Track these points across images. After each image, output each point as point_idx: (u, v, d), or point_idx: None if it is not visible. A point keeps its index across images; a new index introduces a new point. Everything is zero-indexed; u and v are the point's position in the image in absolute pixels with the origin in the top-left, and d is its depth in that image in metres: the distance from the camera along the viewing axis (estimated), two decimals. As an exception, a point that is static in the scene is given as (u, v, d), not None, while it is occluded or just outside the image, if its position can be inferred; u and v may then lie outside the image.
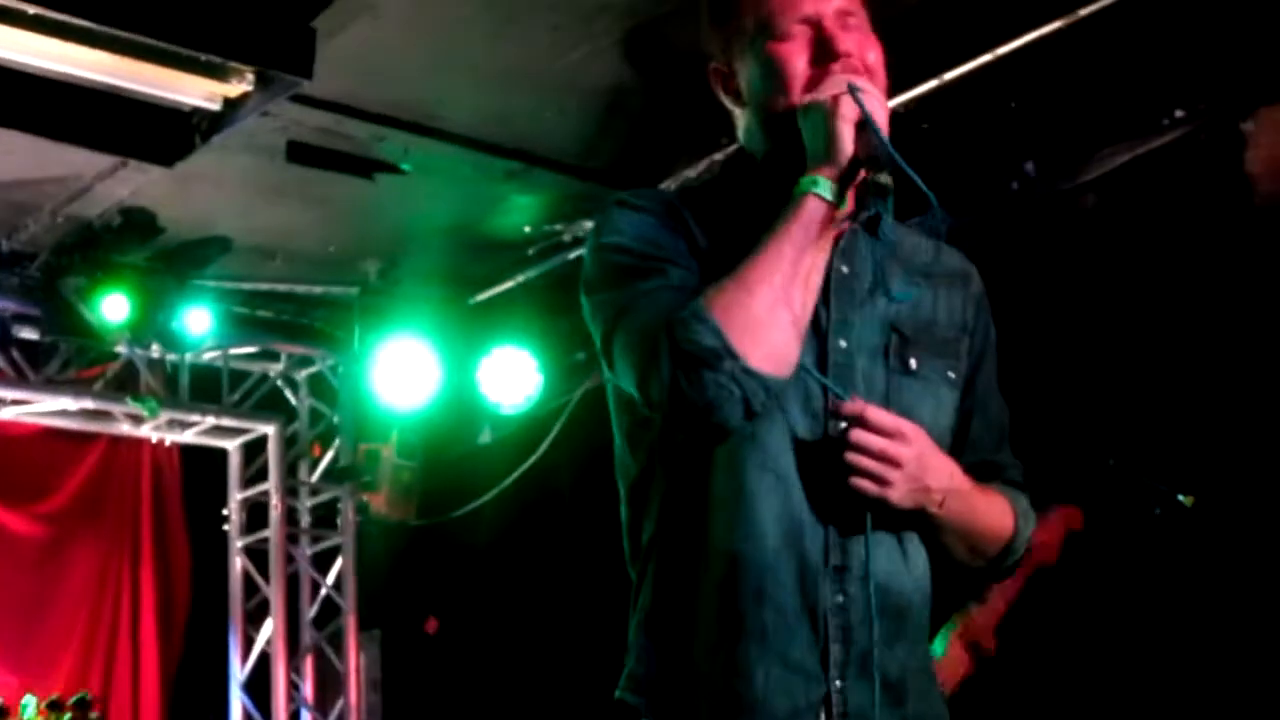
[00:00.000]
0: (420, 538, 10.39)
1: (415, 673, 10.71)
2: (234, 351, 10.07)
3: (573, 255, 8.68)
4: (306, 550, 10.54)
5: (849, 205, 2.87)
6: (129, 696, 10.40)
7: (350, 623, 10.46)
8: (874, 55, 2.99)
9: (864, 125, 2.81)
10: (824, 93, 2.87)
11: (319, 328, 10.01)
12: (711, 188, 3.30)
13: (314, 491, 10.60)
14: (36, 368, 9.39)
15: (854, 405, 2.84)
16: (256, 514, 10.47)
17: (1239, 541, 6.22)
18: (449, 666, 10.41)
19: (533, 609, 9.88)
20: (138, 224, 8.36)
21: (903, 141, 2.82)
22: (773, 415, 2.86)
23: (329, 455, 10.51)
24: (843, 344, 2.95)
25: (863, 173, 2.81)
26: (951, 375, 3.08)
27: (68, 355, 9.49)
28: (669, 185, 7.90)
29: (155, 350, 9.60)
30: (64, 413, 9.76)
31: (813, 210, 2.82)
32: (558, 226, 8.62)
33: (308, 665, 10.49)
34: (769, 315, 2.76)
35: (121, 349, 9.42)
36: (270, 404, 10.43)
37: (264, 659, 10.27)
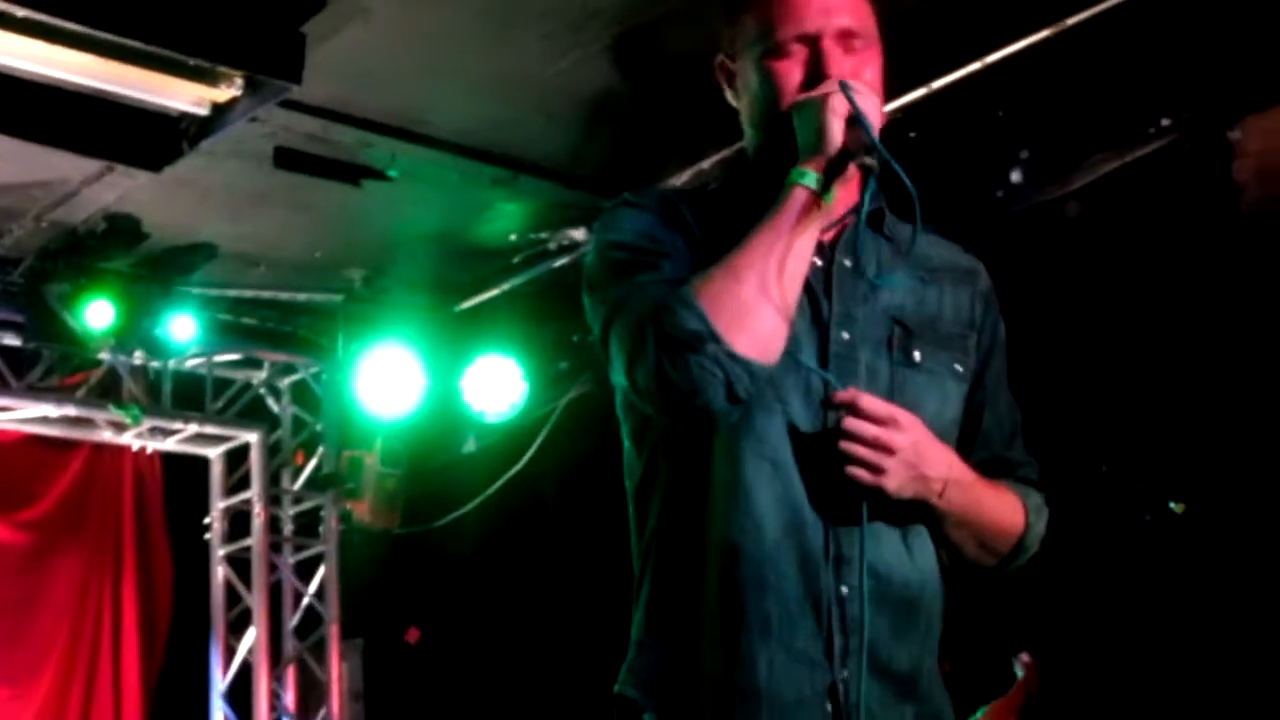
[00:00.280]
0: (403, 546, 10.37)
1: (398, 682, 10.69)
2: (217, 359, 10.03)
3: (559, 263, 8.69)
4: (289, 559, 10.51)
5: (837, 198, 2.90)
6: (110, 705, 10.34)
7: (333, 632, 10.43)
8: (870, 74, 3.00)
9: (854, 120, 2.83)
10: (817, 91, 2.90)
11: (303, 335, 9.98)
12: (714, 187, 3.33)
13: (297, 500, 10.57)
14: (19, 374, 9.34)
15: (846, 393, 2.87)
16: (239, 522, 10.43)
17: (1229, 548, 6.24)
18: (432, 676, 10.40)
19: (516, 618, 9.87)
20: (123, 230, 8.33)
21: (891, 149, 2.84)
22: (772, 407, 2.89)
23: (312, 463, 10.48)
24: (845, 336, 2.97)
25: (852, 165, 2.84)
26: (959, 369, 3.08)
27: (51, 362, 9.44)
28: (660, 191, 7.91)
29: (138, 357, 9.56)
30: (46, 420, 9.71)
31: (799, 200, 2.86)
32: (544, 234, 8.61)
33: (290, 675, 10.44)
34: (754, 301, 2.79)
35: (105, 356, 9.38)
36: (253, 412, 10.39)
37: (246, 668, 10.21)
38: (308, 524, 10.61)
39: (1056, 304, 6.69)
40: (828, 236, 3.02)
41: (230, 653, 10.29)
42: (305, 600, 10.47)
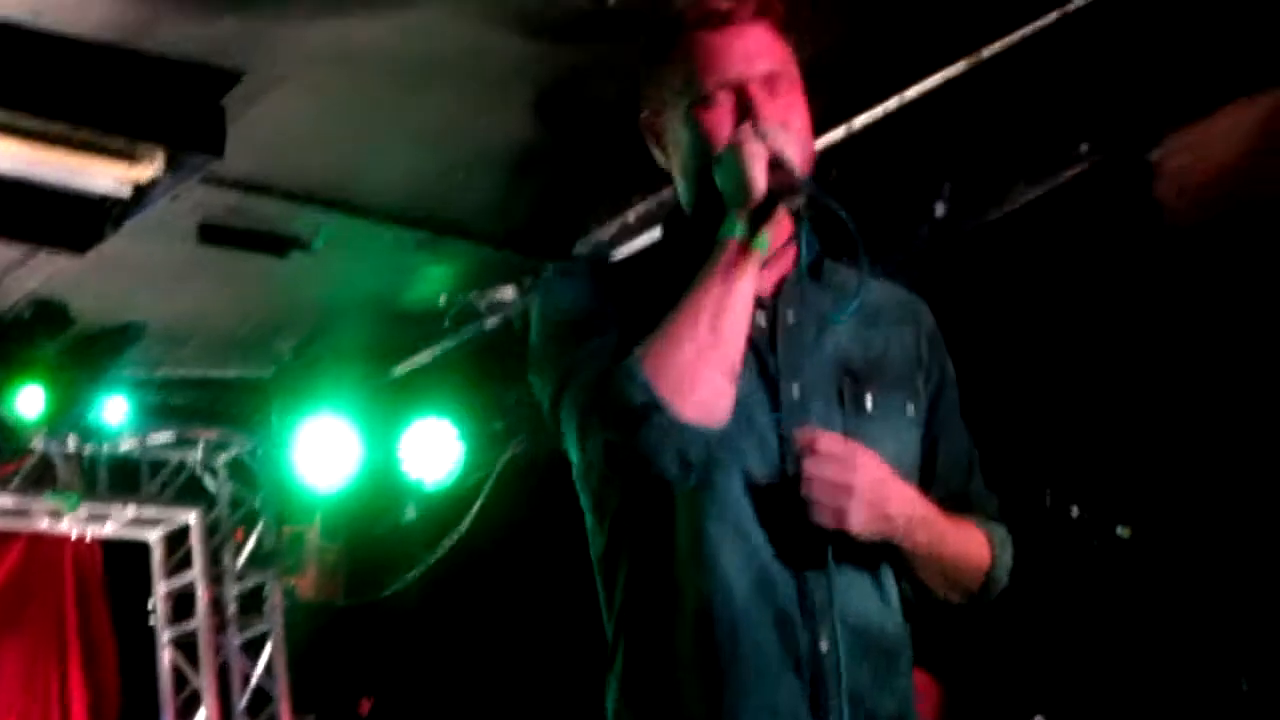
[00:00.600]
0: (349, 618, 10.31)
1: (352, 755, 10.62)
2: (151, 440, 9.95)
3: (489, 324, 8.67)
4: (235, 638, 10.43)
5: (773, 246, 2.89)
6: (62, 799, 10.26)
7: (283, 709, 10.35)
8: (799, 121, 2.99)
9: (776, 163, 2.83)
10: (734, 139, 2.89)
11: (236, 411, 9.92)
12: (650, 248, 3.32)
13: (239, 578, 10.47)
14: (-50, 468, 9.28)
15: (805, 434, 2.84)
16: (182, 604, 10.36)
17: (1176, 573, 6.26)
18: (385, 746, 10.35)
19: (466, 683, 9.83)
20: (49, 315, 8.25)
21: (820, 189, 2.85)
22: (729, 468, 2.86)
23: (252, 540, 10.40)
24: (795, 389, 2.95)
25: (781, 208, 2.84)
26: (911, 411, 3.07)
27: (-19, 453, 9.38)
28: (581, 247, 7.92)
29: (72, 443, 9.49)
30: (-20, 512, 9.64)
31: (730, 253, 2.84)
32: (472, 295, 8.59)
33: (243, 756, 10.38)
34: (696, 365, 2.77)
35: (37, 443, 9.30)
36: (190, 491, 10.32)
37: (198, 752, 10.14)
38: (252, 602, 10.52)
39: (989, 335, 6.71)
40: (769, 290, 3.00)
41: (182, 737, 10.20)
42: (254, 679, 10.38)
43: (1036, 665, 6.79)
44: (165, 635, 10.36)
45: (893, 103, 6.71)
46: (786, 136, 2.89)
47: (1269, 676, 5.85)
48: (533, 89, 6.65)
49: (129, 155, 6.44)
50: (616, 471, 2.85)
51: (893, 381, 3.06)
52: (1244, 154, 6.03)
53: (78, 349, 8.73)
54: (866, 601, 2.91)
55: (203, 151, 6.36)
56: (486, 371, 9.19)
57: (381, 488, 9.76)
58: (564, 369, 2.94)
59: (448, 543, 9.63)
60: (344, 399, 9.48)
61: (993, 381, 6.63)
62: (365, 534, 10.16)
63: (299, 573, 10.08)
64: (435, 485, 9.52)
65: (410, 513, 9.93)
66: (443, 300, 8.64)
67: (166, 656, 10.33)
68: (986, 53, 6.42)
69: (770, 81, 2.97)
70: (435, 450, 9.40)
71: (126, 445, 9.81)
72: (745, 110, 2.94)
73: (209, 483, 10.43)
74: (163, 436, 9.98)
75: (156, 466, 10.12)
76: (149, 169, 6.53)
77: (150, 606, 10.43)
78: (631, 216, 7.63)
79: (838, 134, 6.79)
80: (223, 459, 10.41)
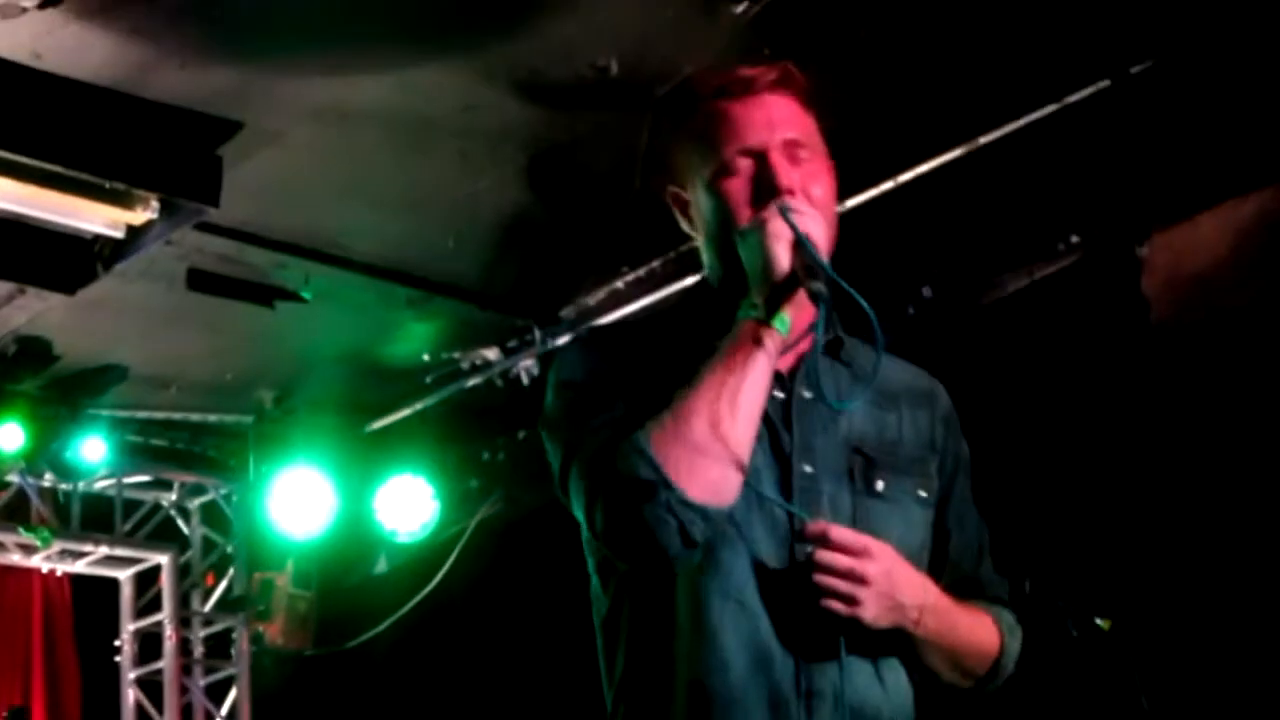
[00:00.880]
0: (316, 668, 10.26)
1: (311, 806, 10.56)
2: (127, 480, 9.93)
3: (470, 383, 8.68)
4: (200, 681, 10.37)
5: (795, 326, 2.86)
6: (19, 836, 10.18)
7: (245, 754, 10.31)
8: (820, 190, 2.97)
9: (798, 244, 2.80)
10: (758, 217, 2.87)
11: (213, 456, 9.91)
12: (674, 319, 3.31)
13: (207, 622, 10.42)
14: (-74, 499, 9.25)
15: (816, 526, 2.83)
16: (149, 645, 10.29)
17: (1155, 664, 6.25)
18: (346, 799, 10.30)
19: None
20: (33, 352, 8.25)
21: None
22: (736, 544, 2.85)
23: (223, 585, 10.37)
24: (807, 469, 2.93)
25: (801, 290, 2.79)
26: (923, 494, 3.07)
27: (-42, 486, 9.35)
28: (569, 313, 7.93)
29: (48, 479, 9.47)
30: (-48, 544, 9.60)
31: (749, 334, 2.81)
32: (456, 354, 8.60)
33: (203, 801, 10.31)
34: (706, 444, 2.74)
35: (14, 478, 9.27)
36: (163, 533, 10.27)
37: (158, 794, 10.07)
38: (219, 646, 10.46)
39: (971, 420, 6.72)
40: (786, 366, 2.99)
41: (142, 778, 10.14)
42: (217, 723, 10.34)
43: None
44: (130, 675, 10.28)
45: (887, 185, 6.72)
46: (812, 214, 2.86)
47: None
48: (527, 156, 6.67)
49: (124, 199, 6.44)
50: (619, 544, 2.82)
51: (905, 464, 3.05)
52: (1217, 262, 6.06)
53: (59, 387, 8.72)
54: (866, 688, 2.90)
55: (198, 200, 6.36)
56: (464, 429, 9.19)
57: (354, 539, 9.74)
58: (573, 438, 2.93)
59: (419, 596, 9.60)
60: (321, 450, 9.46)
61: (975, 467, 6.65)
62: (336, 584, 10.14)
63: (269, 619, 10.03)
64: (408, 538, 9.50)
65: (382, 565, 9.92)
66: (425, 358, 8.64)
67: (131, 696, 10.25)
68: (984, 139, 6.45)
69: (791, 148, 2.96)
70: (410, 505, 9.39)
71: (102, 484, 9.78)
72: (764, 177, 2.92)
73: (182, 525, 10.39)
74: (139, 478, 9.95)
75: (131, 507, 10.08)
76: (143, 213, 6.53)
77: (117, 645, 10.37)
78: (620, 285, 7.63)
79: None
80: (197, 503, 10.38)
